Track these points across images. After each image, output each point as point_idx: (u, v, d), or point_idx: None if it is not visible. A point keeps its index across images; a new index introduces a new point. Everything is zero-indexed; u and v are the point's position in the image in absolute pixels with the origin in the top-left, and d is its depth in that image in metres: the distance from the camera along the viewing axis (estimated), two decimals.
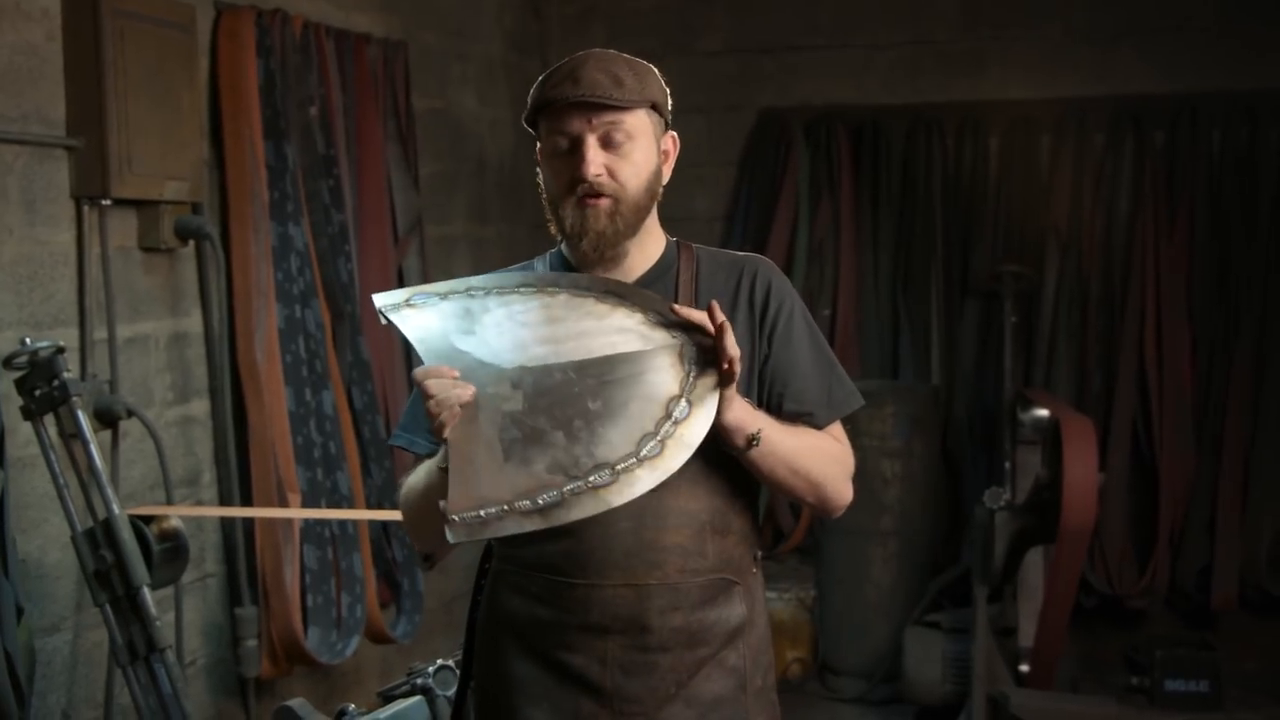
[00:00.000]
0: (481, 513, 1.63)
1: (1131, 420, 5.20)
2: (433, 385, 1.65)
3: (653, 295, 1.78)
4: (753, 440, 1.75)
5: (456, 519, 1.62)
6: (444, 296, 1.76)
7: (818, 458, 1.84)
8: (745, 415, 1.75)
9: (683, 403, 1.70)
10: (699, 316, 1.71)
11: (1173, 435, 5.13)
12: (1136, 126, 5.25)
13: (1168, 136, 5.22)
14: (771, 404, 1.85)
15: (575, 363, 1.70)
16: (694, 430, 1.69)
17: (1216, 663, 4.44)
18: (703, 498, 1.80)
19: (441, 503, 1.63)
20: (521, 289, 1.77)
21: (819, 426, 1.87)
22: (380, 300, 1.75)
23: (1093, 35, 5.33)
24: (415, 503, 1.83)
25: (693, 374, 1.72)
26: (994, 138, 5.42)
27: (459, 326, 1.73)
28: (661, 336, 1.74)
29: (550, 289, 1.77)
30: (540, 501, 1.63)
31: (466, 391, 1.65)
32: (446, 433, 1.65)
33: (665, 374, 1.71)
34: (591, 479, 1.64)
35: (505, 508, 1.63)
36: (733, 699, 1.85)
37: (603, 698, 1.81)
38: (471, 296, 1.76)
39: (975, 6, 5.45)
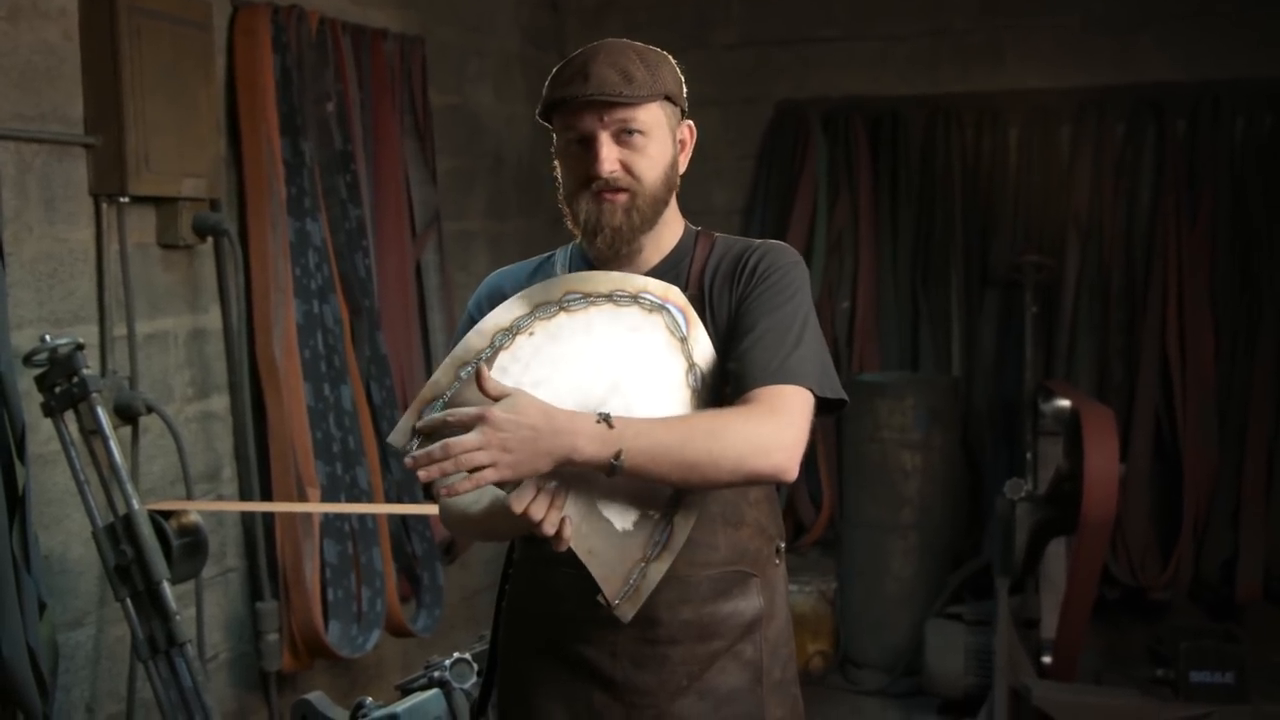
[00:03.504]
0: (631, 580, 1.69)
1: (1154, 411, 5.18)
2: (534, 510, 1.61)
3: (591, 275, 1.76)
4: (613, 468, 1.63)
5: (618, 603, 1.69)
6: (447, 399, 1.67)
7: (709, 436, 1.65)
8: (592, 446, 1.62)
9: (695, 371, 1.74)
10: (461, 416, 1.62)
11: (1195, 425, 5.10)
12: (1157, 115, 5.21)
13: (1189, 125, 5.18)
14: (728, 350, 1.77)
15: (605, 397, 1.70)
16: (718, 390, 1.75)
17: (1242, 654, 4.40)
18: (714, 491, 1.79)
19: (600, 598, 1.69)
20: (501, 340, 1.71)
21: (745, 389, 1.72)
22: (399, 441, 1.66)
23: (1112, 23, 5.29)
24: (471, 524, 1.82)
25: (681, 335, 1.74)
26: (1013, 128, 5.40)
27: None
28: (635, 313, 1.74)
29: (524, 329, 1.72)
30: (659, 538, 1.70)
31: (561, 497, 1.63)
32: (568, 544, 1.65)
33: (667, 352, 1.73)
34: (677, 494, 1.71)
35: (643, 564, 1.70)
36: (748, 691, 1.84)
37: (614, 689, 1.82)
38: (469, 382, 1.67)
39: None
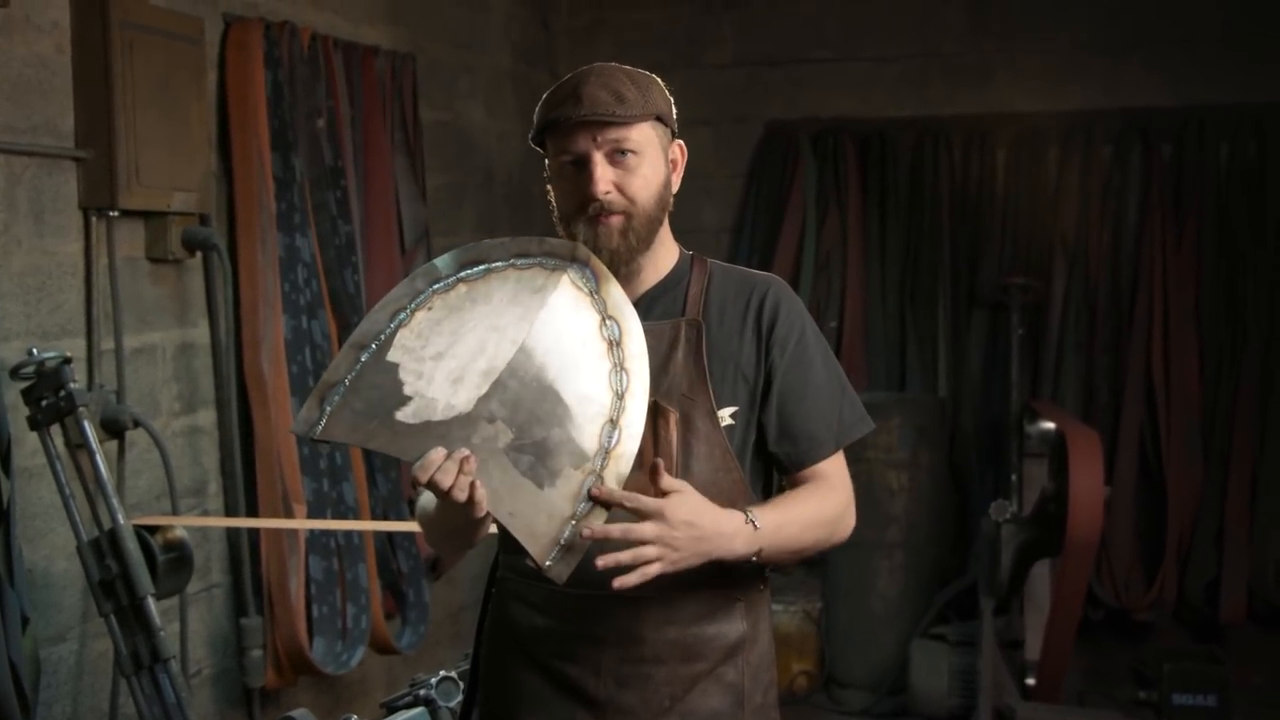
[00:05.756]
0: (561, 542, 1.65)
1: (1139, 432, 5.20)
2: (440, 478, 1.61)
3: (494, 242, 1.75)
4: (751, 562, 1.76)
5: (549, 564, 1.65)
6: (347, 383, 1.67)
7: (817, 525, 1.82)
8: (742, 547, 1.72)
9: (610, 323, 1.72)
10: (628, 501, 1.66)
11: (1180, 447, 5.12)
12: (1144, 139, 5.25)
13: (1175, 149, 5.22)
14: (781, 429, 1.85)
15: (512, 359, 1.69)
16: (637, 339, 1.73)
17: (1225, 676, 4.43)
18: None
19: (529, 562, 1.67)
20: (401, 318, 1.70)
21: (824, 456, 1.86)
22: (300, 429, 1.67)
23: (1100, 47, 5.33)
24: (432, 524, 1.83)
25: (590, 289, 1.73)
26: (1001, 150, 5.43)
27: (390, 402, 1.66)
28: (538, 274, 1.73)
29: (422, 304, 1.71)
30: (591, 493, 1.66)
31: (470, 462, 1.63)
32: (483, 509, 1.65)
33: (575, 308, 1.72)
34: (606, 445, 1.68)
35: (574, 522, 1.66)
36: (730, 715, 1.84)
37: (597, 708, 1.81)
38: (369, 363, 1.68)
39: (983, 19, 5.45)
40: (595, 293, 1.73)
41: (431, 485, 1.62)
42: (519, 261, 1.73)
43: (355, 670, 3.82)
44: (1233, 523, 5.06)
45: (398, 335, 1.69)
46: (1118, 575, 5.17)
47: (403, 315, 1.70)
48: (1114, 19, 5.31)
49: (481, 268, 1.73)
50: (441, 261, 1.74)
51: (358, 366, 1.68)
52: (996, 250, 5.38)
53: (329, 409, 1.67)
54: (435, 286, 1.71)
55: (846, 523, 1.87)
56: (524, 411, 1.67)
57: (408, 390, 1.67)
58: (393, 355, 1.68)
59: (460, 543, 1.85)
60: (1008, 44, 5.42)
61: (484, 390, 1.67)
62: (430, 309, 1.70)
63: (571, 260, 1.74)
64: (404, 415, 1.66)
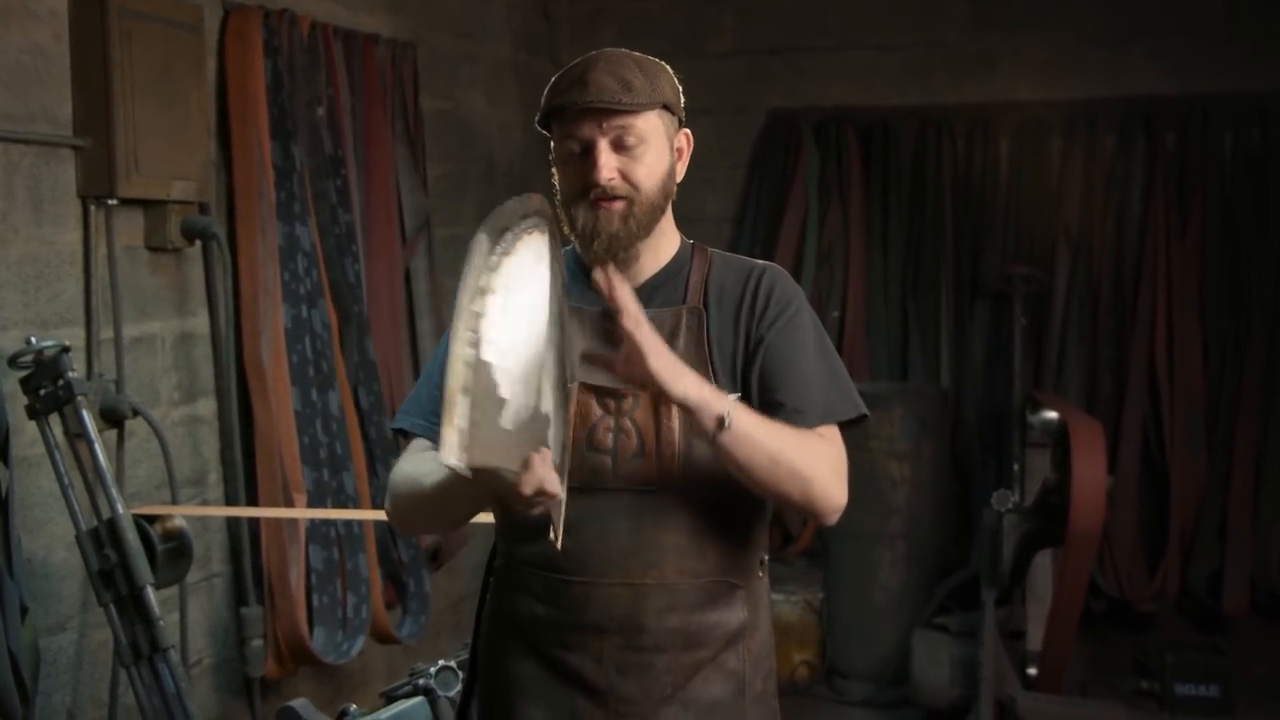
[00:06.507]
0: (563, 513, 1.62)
1: (1142, 423, 5.19)
2: (552, 486, 1.54)
3: (496, 212, 1.65)
4: (723, 421, 1.66)
5: (553, 538, 1.63)
6: (471, 398, 1.49)
7: (802, 451, 1.72)
8: (710, 394, 1.67)
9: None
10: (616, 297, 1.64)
11: (1184, 438, 5.11)
12: (1147, 128, 5.23)
13: (1179, 138, 5.20)
14: (763, 399, 1.80)
15: (542, 344, 1.60)
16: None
17: (1227, 667, 4.42)
18: (704, 499, 1.79)
19: (553, 537, 1.63)
20: (480, 310, 1.54)
21: (808, 425, 1.78)
22: (451, 459, 1.47)
23: (1103, 36, 5.31)
24: (428, 501, 1.77)
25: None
26: (1004, 139, 5.41)
27: (495, 411, 1.51)
28: (536, 238, 1.64)
29: (488, 289, 1.56)
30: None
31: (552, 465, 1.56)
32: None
33: (555, 279, 1.65)
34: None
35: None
36: (731, 703, 1.84)
37: (598, 697, 1.81)
38: (477, 368, 1.51)
39: (985, 7, 5.43)
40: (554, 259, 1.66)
41: (538, 495, 1.53)
42: (525, 222, 1.63)
43: (355, 660, 3.82)
44: (1236, 514, 5.05)
45: (483, 329, 1.51)
46: (1120, 566, 5.16)
47: (480, 308, 1.52)
48: (1116, 8, 5.29)
49: (506, 232, 1.61)
50: (477, 243, 1.59)
51: (470, 375, 1.48)
52: (999, 240, 5.37)
53: (462, 428, 1.46)
54: (485, 265, 1.56)
55: (835, 493, 1.77)
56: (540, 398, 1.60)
57: (503, 392, 1.51)
58: (486, 354, 1.51)
59: (448, 524, 1.84)
60: (1010, 33, 5.40)
61: (539, 383, 1.56)
62: (494, 293, 1.55)
63: (539, 218, 1.65)
64: (506, 421, 1.51)
